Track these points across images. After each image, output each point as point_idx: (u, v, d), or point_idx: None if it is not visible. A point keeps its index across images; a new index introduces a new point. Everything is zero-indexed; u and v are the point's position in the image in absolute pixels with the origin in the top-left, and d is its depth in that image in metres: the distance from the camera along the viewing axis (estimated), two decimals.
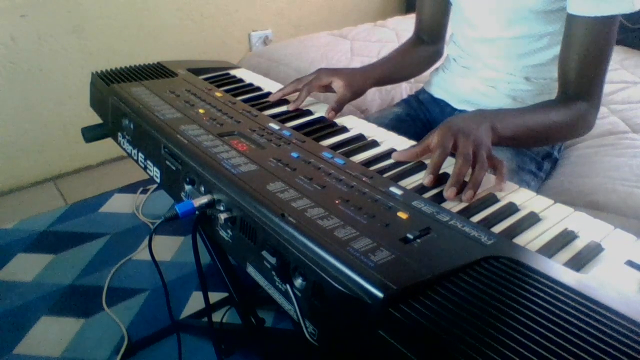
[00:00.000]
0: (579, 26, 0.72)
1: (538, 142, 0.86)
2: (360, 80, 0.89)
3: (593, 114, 0.78)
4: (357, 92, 0.88)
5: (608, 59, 0.75)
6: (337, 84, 0.86)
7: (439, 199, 0.57)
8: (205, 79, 0.97)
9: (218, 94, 0.86)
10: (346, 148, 0.70)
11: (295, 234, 0.47)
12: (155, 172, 0.73)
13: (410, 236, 0.46)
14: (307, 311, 0.47)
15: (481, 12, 0.87)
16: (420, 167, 0.65)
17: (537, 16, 0.80)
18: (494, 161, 0.61)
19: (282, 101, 0.88)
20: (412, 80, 1.38)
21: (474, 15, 0.89)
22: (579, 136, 0.86)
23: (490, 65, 0.91)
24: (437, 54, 1.07)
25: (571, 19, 0.73)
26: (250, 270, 0.55)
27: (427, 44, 1.05)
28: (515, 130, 0.72)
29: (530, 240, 0.50)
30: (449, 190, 0.57)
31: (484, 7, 0.86)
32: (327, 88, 0.88)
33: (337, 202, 0.52)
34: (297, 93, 0.86)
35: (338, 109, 0.83)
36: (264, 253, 0.49)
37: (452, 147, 0.62)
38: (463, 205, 0.56)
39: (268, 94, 0.91)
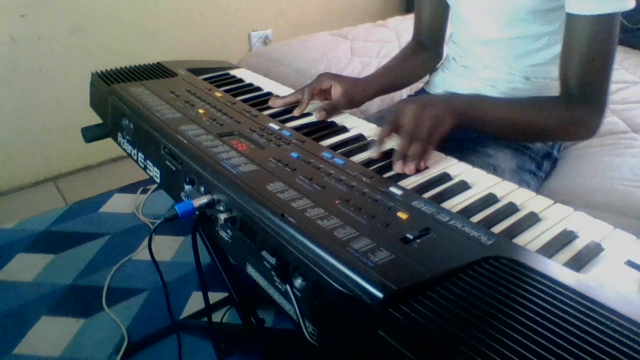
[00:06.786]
0: (578, 26, 0.71)
1: (521, 137, 0.83)
2: (360, 92, 0.89)
3: (595, 117, 0.75)
4: (352, 102, 0.88)
5: (611, 61, 0.72)
6: (336, 90, 0.86)
7: (439, 199, 0.57)
8: (205, 79, 0.97)
9: (218, 94, 0.86)
10: (346, 148, 0.70)
11: (295, 234, 0.47)
12: (155, 172, 0.73)
13: (410, 236, 0.46)
14: (307, 311, 0.47)
15: (479, 14, 0.87)
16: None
17: (535, 16, 0.80)
18: (428, 146, 0.65)
19: None
20: None
21: (472, 16, 0.89)
22: (578, 139, 0.84)
23: (489, 65, 0.91)
24: (437, 57, 1.07)
25: (570, 19, 0.73)
26: (250, 270, 0.55)
27: (427, 48, 1.05)
28: (486, 119, 0.73)
29: (530, 240, 0.50)
30: (396, 165, 0.63)
31: (482, 8, 0.85)
32: (327, 93, 0.88)
33: (337, 202, 0.52)
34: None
35: (329, 111, 0.82)
36: (264, 253, 0.49)
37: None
38: (463, 205, 0.56)
39: (268, 94, 0.91)
